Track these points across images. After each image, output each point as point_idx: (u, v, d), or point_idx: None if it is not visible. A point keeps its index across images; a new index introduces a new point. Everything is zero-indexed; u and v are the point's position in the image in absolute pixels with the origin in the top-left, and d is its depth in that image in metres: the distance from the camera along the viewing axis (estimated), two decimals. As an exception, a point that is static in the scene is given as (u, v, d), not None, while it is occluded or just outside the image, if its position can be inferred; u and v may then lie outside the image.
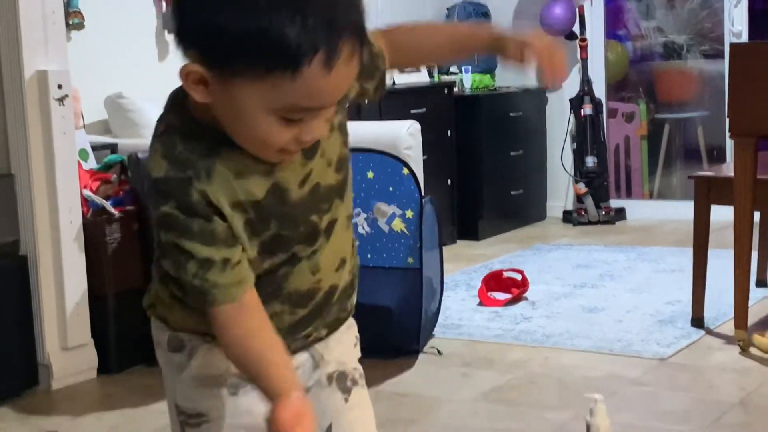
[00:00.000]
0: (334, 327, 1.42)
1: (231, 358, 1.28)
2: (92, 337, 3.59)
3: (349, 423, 1.42)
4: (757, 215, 3.93)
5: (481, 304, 4.41)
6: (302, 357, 1.39)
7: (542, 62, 1.38)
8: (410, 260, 3.60)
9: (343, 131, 1.34)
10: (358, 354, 1.48)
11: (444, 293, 3.98)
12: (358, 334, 1.48)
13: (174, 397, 1.37)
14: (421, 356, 3.64)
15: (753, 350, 3.56)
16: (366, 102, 1.43)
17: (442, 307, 3.92)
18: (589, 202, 6.25)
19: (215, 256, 1.22)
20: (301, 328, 1.37)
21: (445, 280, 3.94)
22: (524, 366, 3.58)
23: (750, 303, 3.67)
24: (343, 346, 1.44)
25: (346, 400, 1.42)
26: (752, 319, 3.75)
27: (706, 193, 3.79)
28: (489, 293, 4.44)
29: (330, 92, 1.15)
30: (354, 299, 1.44)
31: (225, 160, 1.22)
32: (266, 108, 1.15)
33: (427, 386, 3.37)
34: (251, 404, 1.34)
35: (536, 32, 1.42)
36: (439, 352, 3.69)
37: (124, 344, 3.65)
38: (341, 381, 1.42)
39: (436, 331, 3.90)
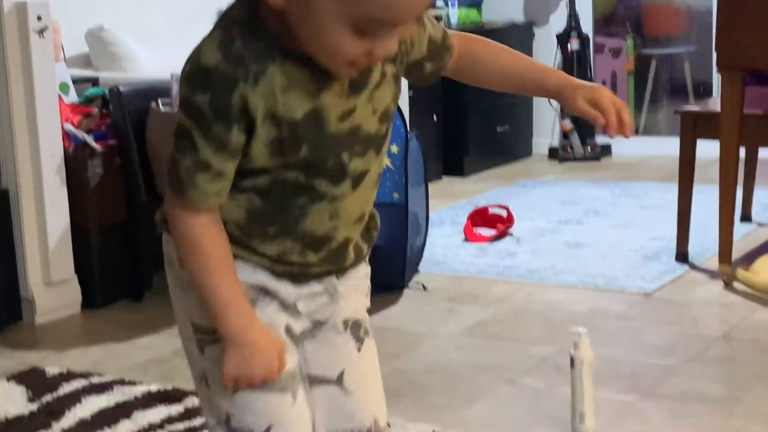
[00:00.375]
0: (346, 271, 1.39)
1: (181, 253, 1.30)
2: (76, 273, 3.58)
3: (361, 373, 1.41)
4: (742, 151, 3.92)
5: (466, 240, 4.41)
6: (317, 287, 1.37)
7: (611, 118, 1.39)
8: (396, 196, 3.58)
9: (396, 84, 1.34)
10: (368, 304, 1.46)
11: (429, 229, 3.97)
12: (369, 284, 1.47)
13: (189, 315, 1.34)
14: (406, 291, 3.64)
15: (737, 285, 3.57)
16: (408, 81, 1.43)
17: (427, 243, 3.91)
18: (574, 138, 6.23)
19: (214, 163, 1.23)
20: (311, 268, 1.35)
21: (430, 216, 3.93)
22: (509, 301, 3.58)
23: (734, 238, 3.68)
24: (360, 294, 1.43)
25: (359, 350, 1.41)
26: (736, 254, 3.76)
27: (692, 128, 3.77)
28: (474, 229, 4.44)
29: (407, 7, 1.14)
30: (366, 251, 1.42)
31: (277, 69, 1.21)
32: (342, 17, 1.13)
33: (412, 321, 3.37)
34: (271, 317, 1.32)
35: (602, 87, 1.44)
36: (424, 287, 3.69)
37: (107, 279, 3.64)
38: (355, 330, 1.41)
39: (422, 266, 3.90)
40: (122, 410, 2.69)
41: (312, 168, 1.27)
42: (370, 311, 1.48)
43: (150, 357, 3.15)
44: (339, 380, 1.39)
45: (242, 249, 1.31)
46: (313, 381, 1.38)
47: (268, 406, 1.32)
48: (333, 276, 1.37)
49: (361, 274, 1.43)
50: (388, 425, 1.45)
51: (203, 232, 1.27)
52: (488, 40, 1.49)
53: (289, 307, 1.34)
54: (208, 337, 1.33)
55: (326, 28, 1.15)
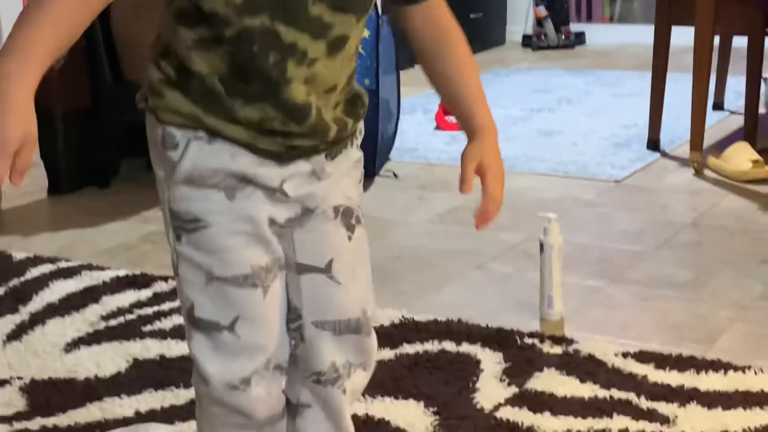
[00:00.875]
0: (334, 149, 1.35)
1: None
2: (41, 158, 3.53)
3: (350, 262, 1.37)
4: (717, 40, 3.89)
5: (438, 128, 4.38)
6: (305, 166, 1.32)
7: (484, 203, 1.39)
8: (366, 82, 3.54)
9: None
10: (361, 191, 1.42)
11: (401, 117, 3.94)
12: (363, 171, 1.43)
13: (168, 201, 1.30)
14: (377, 179, 3.62)
15: (707, 172, 3.58)
16: None
17: (398, 131, 3.88)
18: (548, 25, 6.16)
19: None
20: (295, 140, 1.30)
21: (402, 104, 3.90)
22: (480, 188, 3.56)
23: (706, 126, 3.67)
24: (351, 179, 1.38)
25: (350, 238, 1.38)
26: (707, 141, 3.76)
27: (667, 14, 3.73)
28: (446, 117, 4.40)
29: None
30: (351, 127, 1.37)
31: None
32: None
33: (382, 209, 3.36)
34: (251, 210, 1.29)
35: (499, 183, 1.40)
36: (395, 175, 3.68)
37: (74, 165, 3.59)
38: (347, 217, 1.37)
39: (393, 154, 3.88)
40: (90, 295, 2.68)
41: (274, 10, 1.22)
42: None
43: (118, 242, 3.13)
44: (328, 269, 1.36)
45: (223, 116, 1.25)
46: (301, 269, 1.36)
47: (236, 298, 1.30)
48: (321, 155, 1.33)
49: (352, 159, 1.38)
50: None
51: None
52: (459, 36, 1.43)
53: (274, 193, 1.29)
54: (189, 225, 1.30)
55: None
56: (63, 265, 2.89)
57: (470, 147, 1.37)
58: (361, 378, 1.40)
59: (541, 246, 2.53)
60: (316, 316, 1.36)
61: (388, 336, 2.42)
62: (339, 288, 1.36)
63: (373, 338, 1.41)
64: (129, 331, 2.48)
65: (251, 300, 1.31)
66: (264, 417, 1.33)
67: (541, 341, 2.38)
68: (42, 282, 2.76)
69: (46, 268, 2.85)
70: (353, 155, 1.38)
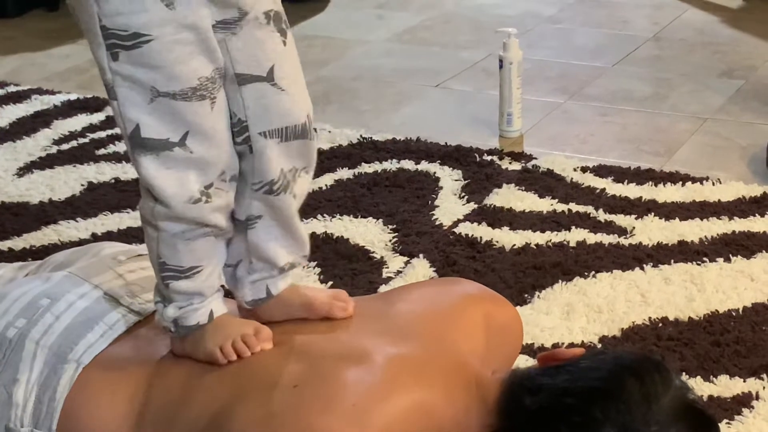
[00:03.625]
0: None
1: None
2: (-15, -20, 3.40)
3: (290, 67, 1.33)
4: None
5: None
6: None
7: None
8: None
9: None
10: None
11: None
12: None
13: (98, 17, 1.23)
14: (333, -2, 3.54)
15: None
16: None
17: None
18: None
19: None
20: None
21: None
22: (439, 6, 3.50)
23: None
24: None
25: (284, 43, 1.33)
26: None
27: None
28: None
29: None
30: None
31: None
32: None
33: (339, 29, 3.29)
34: (194, 17, 1.22)
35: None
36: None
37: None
38: (278, 21, 1.33)
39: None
40: (41, 119, 2.62)
41: None
42: (297, 20, 1.40)
43: (69, 66, 3.05)
44: (270, 76, 1.32)
45: None
46: (242, 80, 1.31)
47: (185, 112, 1.25)
48: None
49: None
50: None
51: None
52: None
53: None
54: (127, 42, 1.24)
55: None
56: (12, 89, 2.81)
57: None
58: (305, 181, 1.40)
59: (501, 62, 2.49)
60: (263, 126, 1.33)
61: (347, 156, 2.39)
62: (283, 95, 1.33)
63: (316, 141, 1.40)
64: (82, 154, 2.43)
65: (200, 113, 1.26)
66: (225, 220, 1.32)
67: (500, 158, 2.37)
68: (-9, 107, 2.70)
69: (-6, 93, 2.79)
70: None
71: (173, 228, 1.29)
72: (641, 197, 2.17)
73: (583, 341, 1.72)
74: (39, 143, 2.50)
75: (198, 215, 1.29)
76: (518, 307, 1.71)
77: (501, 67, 2.49)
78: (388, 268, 1.95)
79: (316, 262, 1.95)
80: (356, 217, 2.13)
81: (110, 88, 1.26)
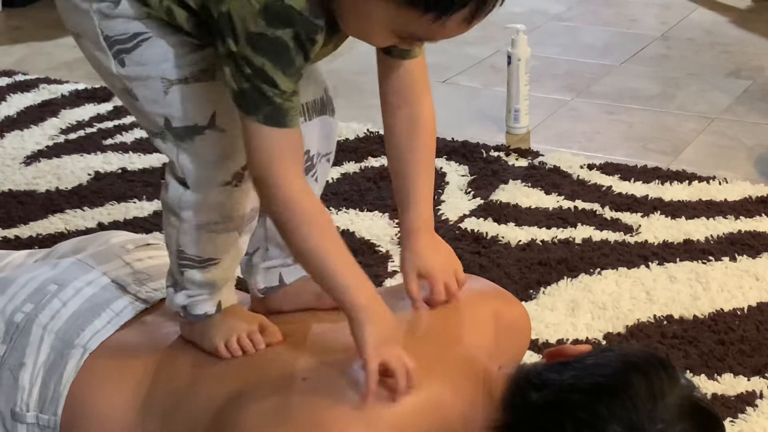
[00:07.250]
0: None
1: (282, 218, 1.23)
2: (-6, -30, 3.40)
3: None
4: None
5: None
6: None
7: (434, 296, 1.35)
8: None
9: None
10: None
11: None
12: None
13: (100, 30, 1.24)
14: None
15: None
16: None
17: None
18: None
19: (292, 88, 1.21)
20: None
21: None
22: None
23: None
24: None
25: None
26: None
27: None
28: None
29: (448, 34, 1.18)
30: None
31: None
32: (389, 27, 1.18)
33: (347, 21, 3.29)
34: None
35: (447, 281, 1.36)
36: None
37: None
38: None
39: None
40: (49, 108, 2.63)
41: None
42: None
43: (77, 56, 3.03)
44: None
45: None
46: None
47: (202, 92, 1.25)
48: None
49: None
50: None
51: (304, 186, 1.23)
52: (429, 119, 1.41)
53: None
54: (127, 44, 1.24)
55: (372, 28, 1.20)
56: (20, 78, 2.81)
57: (404, 258, 1.36)
58: (326, 168, 1.42)
59: (509, 58, 2.49)
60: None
61: (353, 150, 2.40)
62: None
63: (337, 120, 1.43)
64: (89, 144, 2.44)
65: (218, 90, 1.26)
66: (249, 211, 1.32)
67: (507, 154, 2.38)
68: (-1, 95, 2.70)
69: (2, 82, 2.78)
70: None
71: (198, 219, 1.29)
72: (647, 195, 2.17)
73: (587, 338, 1.72)
74: (46, 132, 2.50)
75: (227, 200, 1.28)
76: (523, 303, 1.72)
77: (509, 63, 2.49)
78: (393, 262, 1.95)
79: (321, 255, 1.95)
80: (362, 210, 2.14)
81: (130, 95, 1.27)
